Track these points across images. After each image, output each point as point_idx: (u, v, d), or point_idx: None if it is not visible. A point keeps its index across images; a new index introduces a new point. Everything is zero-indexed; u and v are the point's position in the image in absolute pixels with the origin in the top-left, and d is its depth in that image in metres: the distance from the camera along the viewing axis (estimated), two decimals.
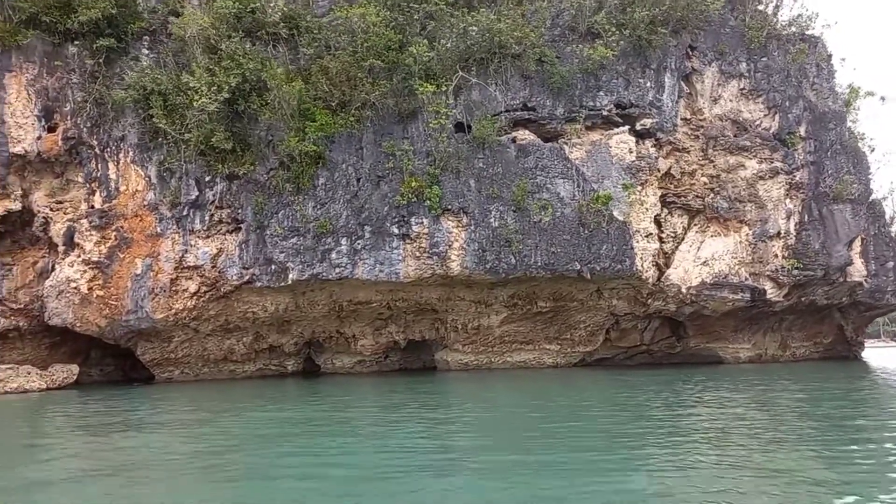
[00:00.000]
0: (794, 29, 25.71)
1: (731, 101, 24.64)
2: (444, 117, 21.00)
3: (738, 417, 10.49)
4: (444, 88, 21.18)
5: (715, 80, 24.51)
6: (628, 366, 26.74)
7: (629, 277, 22.59)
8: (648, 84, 23.30)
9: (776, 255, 24.33)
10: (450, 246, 21.42)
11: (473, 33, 21.61)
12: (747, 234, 24.23)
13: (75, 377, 21.10)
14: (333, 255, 21.19)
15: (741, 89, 24.66)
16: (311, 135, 20.94)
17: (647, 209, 23.02)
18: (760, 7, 26.38)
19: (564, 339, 25.28)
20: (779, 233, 24.33)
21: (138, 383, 23.24)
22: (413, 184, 21.10)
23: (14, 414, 14.52)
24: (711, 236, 24.22)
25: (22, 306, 22.77)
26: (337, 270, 21.19)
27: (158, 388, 21.08)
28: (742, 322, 26.05)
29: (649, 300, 24.11)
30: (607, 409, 12.12)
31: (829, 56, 26.53)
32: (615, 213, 22.17)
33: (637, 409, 11.80)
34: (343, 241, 21.24)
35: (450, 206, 21.43)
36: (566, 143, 22.68)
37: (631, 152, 22.91)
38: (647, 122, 23.20)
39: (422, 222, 21.36)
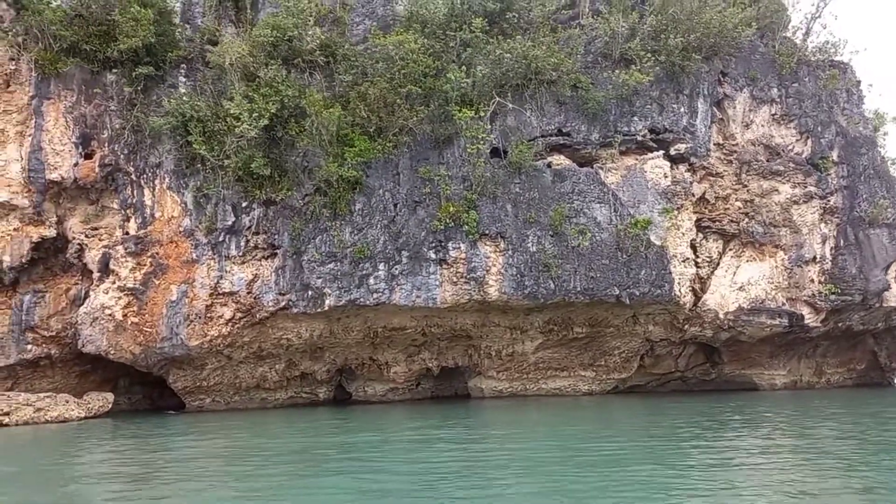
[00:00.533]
0: (822, 56, 25.85)
1: (762, 126, 24.67)
2: (481, 142, 21.02)
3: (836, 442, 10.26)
4: (482, 114, 21.22)
5: (746, 106, 24.58)
6: (662, 393, 26.42)
7: (667, 303, 22.39)
8: (682, 109, 23.36)
9: (812, 280, 24.13)
10: (487, 271, 21.27)
11: (508, 60, 21.73)
12: (783, 259, 24.07)
13: (110, 405, 20.80)
14: (371, 281, 21.04)
15: (773, 115, 24.72)
16: (349, 160, 20.94)
17: (683, 234, 22.92)
18: (787, 34, 26.63)
19: (599, 365, 24.98)
20: (815, 258, 24.17)
21: (174, 412, 22.93)
22: (451, 209, 21.04)
23: (113, 444, 14.09)
24: (747, 261, 24.05)
25: (54, 334, 22.55)
26: (375, 296, 21.02)
27: (198, 416, 20.84)
28: (777, 348, 25.75)
29: (686, 326, 23.86)
30: (712, 434, 11.89)
31: (858, 82, 26.65)
32: (652, 238, 22.06)
33: (738, 433, 11.60)
34: (381, 267, 21.11)
35: (487, 231, 21.34)
36: (601, 168, 22.68)
37: (666, 177, 22.88)
38: (682, 147, 23.20)
39: (459, 247, 21.25)
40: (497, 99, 21.89)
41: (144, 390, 26.06)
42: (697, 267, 23.63)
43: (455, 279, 21.32)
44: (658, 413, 16.91)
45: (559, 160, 22.61)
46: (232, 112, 20.68)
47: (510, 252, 21.38)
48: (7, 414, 17.29)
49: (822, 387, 27.19)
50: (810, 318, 24.08)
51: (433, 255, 21.30)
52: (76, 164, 22.09)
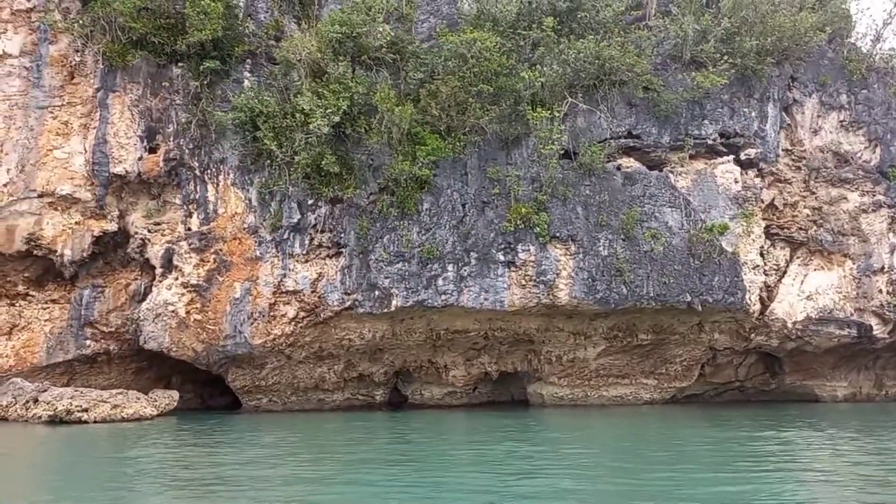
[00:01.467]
0: (891, 62, 25.41)
1: (831, 132, 24.24)
2: (555, 143, 20.66)
3: None
4: (556, 114, 20.86)
5: (815, 112, 24.16)
6: (720, 403, 25.97)
7: (737, 311, 21.97)
8: (753, 114, 22.96)
9: (881, 291, 23.67)
10: (557, 274, 20.89)
11: (581, 59, 21.37)
12: (851, 269, 23.62)
13: (175, 403, 20.49)
14: (440, 282, 20.69)
15: (841, 121, 24.28)
16: (420, 159, 20.61)
17: (753, 240, 22.50)
18: (850, 40, 26.18)
19: (660, 373, 24.54)
20: (883, 267, 23.72)
21: (235, 411, 22.77)
22: (522, 210, 20.68)
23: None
24: (815, 270, 23.60)
25: (113, 329, 22.27)
26: (443, 297, 20.67)
27: (267, 417, 20.81)
28: (840, 359, 25.27)
29: (752, 334, 23.40)
30: None
31: None
32: (724, 245, 21.66)
33: None
34: (449, 268, 20.76)
35: (557, 234, 20.97)
36: (671, 172, 22.30)
37: (736, 182, 22.48)
38: (752, 151, 22.79)
39: (528, 250, 20.88)
40: (570, 99, 21.54)
41: (195, 389, 25.76)
42: (765, 275, 23.17)
43: (524, 282, 20.94)
44: (770, 423, 16.73)
45: (628, 163, 22.24)
46: (303, 108, 20.39)
47: (581, 255, 21.00)
48: (86, 410, 16.97)
49: (881, 399, 26.66)
50: (878, 329, 23.61)
51: (501, 258, 20.93)
52: (140, 158, 21.84)
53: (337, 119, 20.25)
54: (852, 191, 23.96)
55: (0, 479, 10.22)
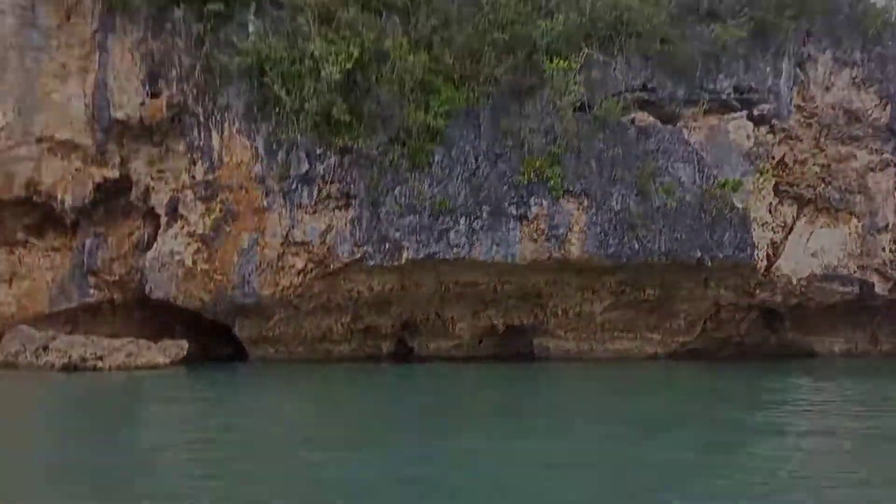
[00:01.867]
0: None
1: (843, 89, 24.04)
2: (572, 95, 20.31)
3: None
4: (573, 65, 20.44)
5: (828, 68, 23.91)
6: (722, 358, 26.30)
7: (745, 267, 22.10)
8: (767, 69, 22.70)
9: (884, 249, 23.93)
10: (570, 229, 20.82)
11: (598, 9, 20.91)
12: (856, 227, 23.80)
13: (184, 353, 20.35)
14: (451, 235, 20.54)
15: (853, 78, 24.07)
16: (434, 108, 20.19)
17: (763, 197, 22.52)
18: None
19: (665, 328, 24.74)
20: (887, 226, 23.93)
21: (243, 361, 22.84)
22: (536, 163, 20.44)
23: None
24: (821, 227, 23.76)
25: (117, 278, 21.91)
26: (454, 250, 20.56)
27: (277, 367, 20.93)
28: (840, 315, 25.65)
29: (756, 291, 23.60)
30: None
31: None
32: (735, 201, 21.63)
33: None
34: (461, 221, 20.58)
35: (570, 188, 20.81)
36: (685, 127, 22.09)
37: (749, 138, 22.33)
38: (765, 107, 22.61)
39: (541, 203, 20.74)
40: (586, 50, 21.10)
41: (198, 339, 25.51)
42: (772, 232, 23.27)
43: (536, 236, 20.85)
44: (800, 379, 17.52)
45: (643, 117, 21.98)
46: (314, 53, 19.76)
47: (594, 210, 20.89)
48: (101, 358, 16.84)
49: (876, 355, 27.20)
50: (880, 287, 23.95)
51: (514, 211, 20.79)
52: (142, 104, 21.14)
53: (349, 66, 19.67)
54: (861, 149, 23.95)
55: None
